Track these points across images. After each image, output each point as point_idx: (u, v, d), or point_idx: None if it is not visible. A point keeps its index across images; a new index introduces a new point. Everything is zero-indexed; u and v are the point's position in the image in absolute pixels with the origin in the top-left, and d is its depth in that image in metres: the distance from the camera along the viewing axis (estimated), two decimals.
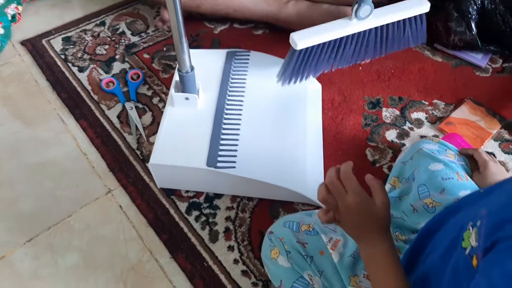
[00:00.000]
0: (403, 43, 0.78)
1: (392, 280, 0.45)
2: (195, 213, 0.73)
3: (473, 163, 0.67)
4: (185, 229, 0.71)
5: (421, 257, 0.46)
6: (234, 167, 0.68)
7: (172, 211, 0.73)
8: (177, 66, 0.71)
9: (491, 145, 0.81)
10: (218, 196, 0.75)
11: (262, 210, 0.73)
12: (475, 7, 0.91)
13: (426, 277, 0.44)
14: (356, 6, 0.67)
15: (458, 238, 0.39)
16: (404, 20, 0.72)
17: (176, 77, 0.77)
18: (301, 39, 0.68)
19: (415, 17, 0.73)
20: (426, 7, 0.71)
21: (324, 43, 0.70)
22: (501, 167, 0.65)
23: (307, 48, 0.69)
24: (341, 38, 0.71)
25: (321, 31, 0.69)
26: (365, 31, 0.71)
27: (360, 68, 0.94)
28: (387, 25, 0.71)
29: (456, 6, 0.92)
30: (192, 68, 0.71)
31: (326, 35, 0.69)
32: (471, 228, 0.38)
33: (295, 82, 0.75)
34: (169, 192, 0.75)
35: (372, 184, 0.48)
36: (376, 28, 0.71)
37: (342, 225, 0.49)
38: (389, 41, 0.76)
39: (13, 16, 1.07)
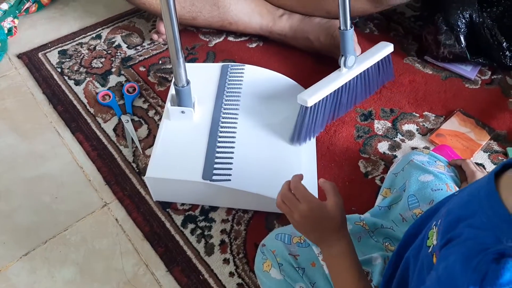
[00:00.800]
0: (379, 83, 0.91)
1: (351, 278, 0.48)
2: (191, 226, 0.74)
3: (462, 174, 0.68)
4: (181, 242, 0.72)
5: (402, 261, 0.48)
6: (229, 179, 0.70)
7: (168, 224, 0.74)
8: (173, 80, 0.73)
9: (480, 156, 0.83)
10: (214, 208, 0.76)
11: (257, 223, 0.74)
12: (463, 21, 0.94)
13: (402, 279, 0.46)
14: (342, 58, 0.78)
15: (424, 237, 0.41)
16: (377, 62, 0.84)
17: (172, 91, 0.79)
18: (309, 97, 0.75)
19: (384, 58, 0.85)
20: (390, 48, 0.85)
21: (326, 97, 0.78)
22: None
23: (314, 105, 0.76)
24: (338, 89, 0.80)
25: (322, 86, 0.77)
26: (353, 78, 0.82)
27: None
28: (367, 69, 0.83)
29: (445, 19, 0.94)
30: (188, 82, 0.73)
31: (328, 88, 0.77)
32: (434, 227, 0.40)
33: (309, 139, 0.81)
34: (164, 205, 0.76)
35: (325, 186, 0.53)
36: (361, 74, 0.82)
37: (301, 231, 0.54)
38: (370, 83, 0.87)
39: (10, 30, 1.08)
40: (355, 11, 0.96)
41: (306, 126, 0.78)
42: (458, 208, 0.38)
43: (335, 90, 0.79)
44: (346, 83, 0.80)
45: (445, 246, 0.36)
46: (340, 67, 0.79)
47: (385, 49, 0.84)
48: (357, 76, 0.82)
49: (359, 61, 0.81)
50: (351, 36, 0.77)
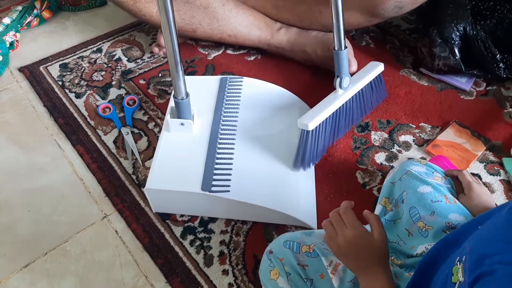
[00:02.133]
0: (373, 102, 0.92)
1: None
2: (190, 237, 0.74)
3: (458, 185, 0.69)
4: (180, 254, 0.72)
5: None
6: (228, 191, 0.70)
7: (167, 236, 0.75)
8: (173, 92, 0.74)
9: (476, 167, 0.84)
10: (213, 220, 0.76)
11: (256, 234, 0.74)
12: (457, 33, 0.96)
13: None
14: (338, 79, 0.79)
15: (449, 273, 0.41)
16: (370, 82, 0.86)
17: (171, 103, 0.80)
18: (310, 120, 0.76)
19: (376, 78, 0.86)
20: (381, 68, 0.87)
21: (325, 120, 0.79)
22: (485, 188, 0.68)
23: (315, 128, 0.77)
24: (336, 111, 0.81)
25: (321, 108, 0.78)
26: (349, 99, 0.83)
27: None
28: (362, 89, 0.84)
29: (439, 32, 0.96)
30: (187, 95, 0.74)
31: (327, 110, 0.78)
32: (458, 264, 0.40)
33: (312, 164, 0.82)
34: (164, 217, 0.77)
35: (370, 218, 0.53)
36: (356, 94, 0.83)
37: (342, 256, 0.53)
38: (365, 103, 0.88)
39: (11, 43, 1.10)
40: (350, 25, 0.98)
41: (309, 150, 0.78)
42: (479, 245, 0.39)
43: (334, 112, 0.80)
44: (343, 105, 0.81)
45: (476, 283, 0.36)
46: (335, 88, 0.80)
47: (376, 68, 0.86)
48: (352, 97, 0.83)
49: (353, 82, 0.81)
50: (346, 57, 0.78)
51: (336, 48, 0.78)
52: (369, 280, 0.50)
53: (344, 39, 0.77)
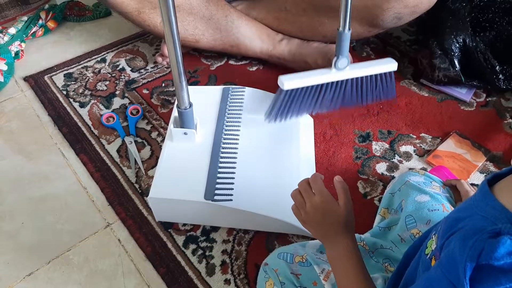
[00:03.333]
0: (375, 96, 0.87)
1: (354, 278, 0.50)
2: (192, 246, 0.75)
3: (457, 194, 0.70)
4: (183, 263, 0.73)
5: (401, 280, 0.49)
6: (231, 200, 0.71)
7: (169, 245, 0.75)
8: (176, 102, 0.75)
9: (477, 177, 0.84)
10: (215, 229, 0.77)
11: (258, 243, 0.75)
12: (457, 45, 0.97)
13: None
14: (335, 58, 0.77)
15: (422, 250, 0.43)
16: (375, 75, 0.82)
17: (174, 113, 0.81)
18: (288, 81, 0.75)
19: (385, 74, 0.82)
20: (394, 66, 0.80)
21: (307, 88, 0.78)
22: None
23: (292, 90, 0.76)
24: (322, 85, 0.79)
25: (306, 76, 0.77)
26: (342, 81, 0.80)
27: None
28: (361, 78, 0.81)
29: (439, 44, 0.98)
30: (190, 105, 0.75)
31: (310, 79, 0.77)
32: (433, 236, 0.42)
33: (280, 121, 0.82)
34: (166, 226, 0.77)
35: (338, 187, 0.56)
36: (352, 79, 0.80)
37: (308, 223, 0.56)
38: (363, 92, 0.85)
39: (17, 53, 1.12)
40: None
41: (279, 108, 0.79)
42: (455, 212, 0.41)
43: (319, 86, 0.78)
44: (333, 82, 0.79)
45: (446, 243, 0.38)
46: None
47: (387, 64, 0.81)
48: (348, 80, 0.80)
49: (356, 67, 0.79)
50: (347, 38, 0.76)
51: (339, 29, 0.76)
52: (334, 248, 0.53)
53: (350, 21, 0.74)
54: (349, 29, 0.75)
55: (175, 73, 0.69)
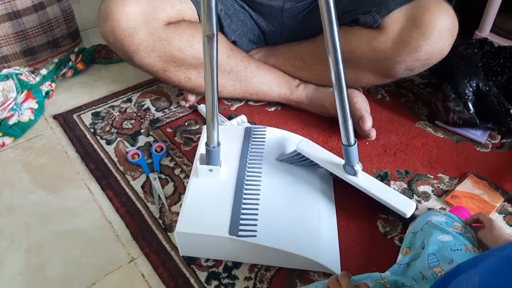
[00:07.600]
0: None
1: None
2: (215, 283, 0.75)
3: (478, 233, 0.71)
4: None
5: None
6: (255, 235, 0.72)
7: (192, 280, 0.76)
8: (201, 140, 0.78)
9: (495, 218, 0.85)
10: (237, 265, 0.78)
11: (280, 281, 0.75)
12: (470, 89, 1.00)
13: None
14: (343, 163, 0.81)
15: None
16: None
17: (200, 150, 0.84)
18: (303, 147, 0.85)
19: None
20: (408, 211, 0.77)
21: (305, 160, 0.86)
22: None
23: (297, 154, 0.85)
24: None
25: (320, 154, 0.85)
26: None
27: (367, 143, 1.01)
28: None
29: (453, 88, 1.01)
30: (219, 144, 0.78)
31: (320, 159, 0.84)
32: None
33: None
34: (189, 261, 0.78)
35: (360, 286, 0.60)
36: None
37: None
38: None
39: (47, 93, 1.17)
40: (363, 83, 1.04)
41: (291, 160, 0.89)
42: (489, 277, 0.40)
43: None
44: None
45: None
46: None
47: (404, 206, 0.78)
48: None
49: (371, 184, 0.81)
50: (354, 150, 0.77)
51: (343, 143, 0.76)
52: None
53: (353, 136, 0.76)
54: (355, 142, 0.75)
55: (209, 115, 0.73)
